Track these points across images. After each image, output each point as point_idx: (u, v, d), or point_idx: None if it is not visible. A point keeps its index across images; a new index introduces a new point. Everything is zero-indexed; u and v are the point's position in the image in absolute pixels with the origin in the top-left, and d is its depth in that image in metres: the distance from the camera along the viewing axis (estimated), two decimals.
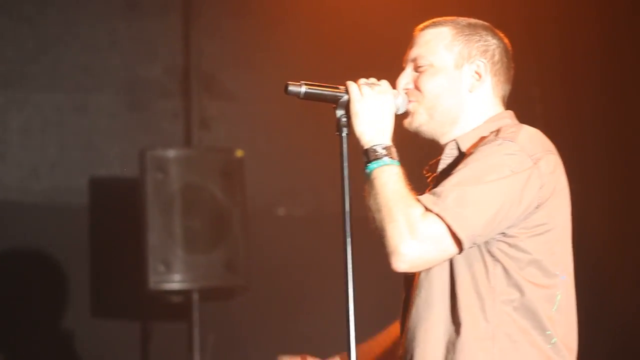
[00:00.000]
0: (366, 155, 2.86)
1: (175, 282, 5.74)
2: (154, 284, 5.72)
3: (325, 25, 6.42)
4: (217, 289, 5.95)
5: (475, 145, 2.88)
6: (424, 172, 3.09)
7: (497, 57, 3.00)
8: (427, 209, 2.72)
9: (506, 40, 3.05)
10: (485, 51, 2.99)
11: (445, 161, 2.97)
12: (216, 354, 6.10)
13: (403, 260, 2.71)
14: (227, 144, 6.22)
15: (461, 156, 2.91)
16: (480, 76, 2.98)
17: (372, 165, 2.83)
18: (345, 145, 2.91)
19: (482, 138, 2.89)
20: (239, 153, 5.95)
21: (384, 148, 2.84)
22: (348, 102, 2.91)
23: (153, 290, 5.74)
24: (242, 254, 5.86)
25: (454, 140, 2.96)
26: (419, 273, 2.90)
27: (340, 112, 2.93)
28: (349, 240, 2.85)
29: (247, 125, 6.53)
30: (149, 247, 5.72)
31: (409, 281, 2.97)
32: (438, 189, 2.76)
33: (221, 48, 6.53)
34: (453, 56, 2.98)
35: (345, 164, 2.90)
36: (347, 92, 2.93)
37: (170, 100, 6.50)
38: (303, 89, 2.91)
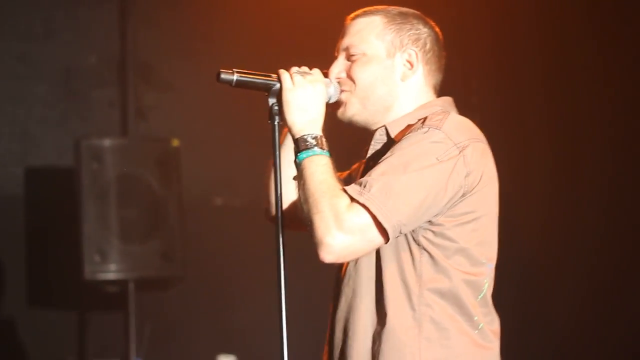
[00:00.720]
0: (296, 145, 2.86)
1: (111, 272, 5.72)
2: (90, 274, 5.70)
3: (260, 15, 6.43)
4: (153, 279, 5.94)
5: (403, 133, 2.89)
6: (356, 166, 3.12)
7: (428, 46, 3.02)
8: (352, 200, 2.72)
9: (437, 29, 3.06)
10: (417, 40, 3.01)
11: (374, 147, 2.99)
12: (152, 343, 6.09)
13: (329, 251, 2.71)
14: (164, 134, 6.20)
15: (390, 142, 2.92)
16: (412, 65, 2.99)
17: (301, 155, 2.83)
18: (277, 134, 2.92)
19: (410, 126, 2.90)
20: (175, 142, 5.93)
21: (313, 138, 2.84)
22: (280, 90, 2.91)
23: (89, 280, 5.71)
24: (178, 244, 5.86)
25: (384, 126, 2.97)
26: (348, 263, 2.92)
27: (272, 101, 2.92)
28: (280, 230, 2.85)
29: (183, 115, 6.52)
30: (84, 237, 5.70)
31: (339, 271, 2.99)
32: (364, 179, 2.76)
33: (157, 37, 6.50)
34: (385, 45, 2.99)
35: (278, 153, 2.89)
36: (279, 80, 2.92)
37: (106, 90, 6.47)
38: (235, 76, 2.91)
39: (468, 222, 2.82)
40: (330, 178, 2.78)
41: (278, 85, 2.93)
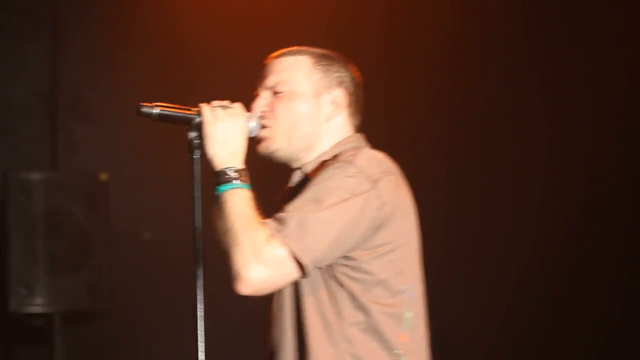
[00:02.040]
0: (216, 178, 2.89)
1: (37, 305, 5.69)
2: (15, 307, 5.66)
3: (186, 50, 6.45)
4: (80, 313, 5.92)
5: (318, 170, 2.95)
6: (278, 198, 3.14)
7: (351, 89, 3.09)
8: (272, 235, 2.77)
9: (356, 73, 3.13)
10: (342, 82, 3.08)
11: (291, 185, 3.05)
12: None
13: (247, 284, 2.75)
14: (93, 167, 6.18)
15: (306, 180, 2.98)
16: (337, 105, 3.06)
17: (221, 188, 2.86)
18: (197, 168, 2.94)
19: (324, 162, 2.97)
20: (103, 176, 5.93)
21: (235, 171, 2.87)
22: (201, 124, 2.94)
23: (14, 312, 5.68)
24: (104, 277, 5.84)
25: (300, 167, 3.04)
26: (274, 300, 2.96)
27: (192, 134, 2.95)
28: (200, 265, 2.87)
29: (113, 149, 6.51)
30: (10, 269, 5.67)
31: (269, 302, 3.02)
32: (281, 215, 2.81)
33: (87, 71, 6.50)
34: (312, 84, 3.05)
35: (197, 186, 2.92)
36: (200, 114, 2.96)
37: (35, 123, 6.45)
38: (155, 110, 2.95)
39: (385, 253, 2.86)
40: (250, 211, 2.82)
41: (199, 118, 2.95)
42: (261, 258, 2.73)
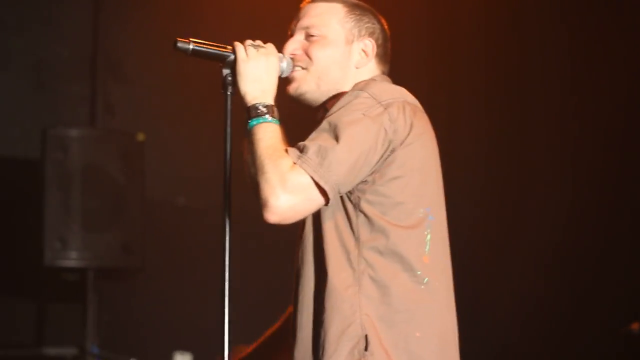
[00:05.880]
0: (248, 113, 2.97)
1: (71, 259, 5.79)
2: (50, 260, 5.76)
3: (225, 15, 6.51)
4: (113, 269, 6.02)
5: (335, 100, 3.03)
6: None
7: (380, 40, 3.16)
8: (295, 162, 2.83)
9: (386, 26, 3.21)
10: (373, 33, 3.15)
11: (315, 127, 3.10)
12: (109, 333, 6.15)
13: (274, 211, 2.81)
14: (131, 129, 6.27)
15: (325, 113, 3.04)
16: (367, 55, 3.13)
17: (252, 122, 2.94)
18: (229, 104, 3.02)
19: (342, 93, 3.04)
20: (141, 137, 6.02)
21: (265, 107, 2.95)
22: (234, 61, 3.01)
23: (48, 266, 5.78)
24: (138, 236, 5.94)
25: (324, 104, 3.11)
26: (302, 242, 3.02)
27: (226, 71, 3.02)
28: (229, 200, 2.95)
29: (151, 113, 6.59)
30: (46, 223, 5.77)
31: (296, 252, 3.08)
32: (301, 143, 2.88)
33: (128, 34, 6.59)
34: (344, 32, 3.12)
35: (229, 122, 3.00)
36: (234, 52, 3.03)
37: (76, 84, 6.54)
38: (191, 45, 3.01)
39: (400, 176, 2.91)
40: (277, 143, 2.89)
41: (232, 56, 3.02)
42: (286, 185, 2.80)
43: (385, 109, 2.90)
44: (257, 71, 3.00)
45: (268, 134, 2.91)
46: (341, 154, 2.83)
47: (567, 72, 6.35)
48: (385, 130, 2.88)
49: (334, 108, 2.94)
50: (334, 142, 2.84)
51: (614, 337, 5.57)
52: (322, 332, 2.89)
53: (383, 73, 3.17)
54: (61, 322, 6.29)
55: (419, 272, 2.92)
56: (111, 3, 6.57)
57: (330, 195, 2.84)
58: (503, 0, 6.58)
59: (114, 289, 6.23)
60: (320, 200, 2.85)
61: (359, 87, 2.98)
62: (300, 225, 3.03)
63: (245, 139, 2.98)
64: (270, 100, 2.99)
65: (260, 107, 2.95)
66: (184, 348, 6.41)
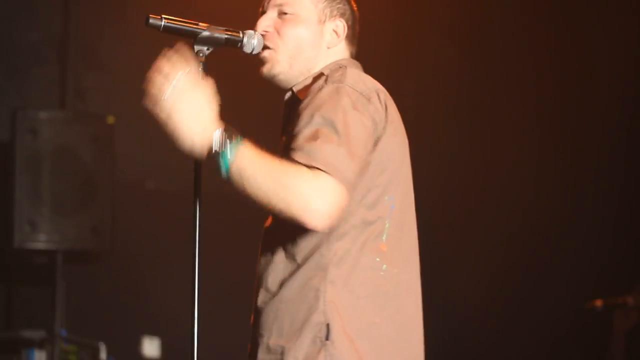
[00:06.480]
0: (212, 162, 2.74)
1: (40, 241, 5.79)
2: (19, 243, 5.77)
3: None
4: (82, 252, 6.03)
5: (307, 88, 2.98)
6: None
7: (350, 22, 3.16)
8: (309, 167, 2.72)
9: (355, 7, 3.20)
10: (343, 14, 3.14)
11: (286, 111, 3.08)
12: (77, 317, 6.15)
13: (318, 216, 2.69)
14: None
15: (295, 99, 3.02)
16: (338, 35, 3.12)
17: (224, 167, 2.72)
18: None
19: (315, 79, 2.99)
20: (110, 120, 6.02)
21: (219, 142, 2.72)
22: (206, 38, 2.98)
23: (17, 248, 5.78)
24: (108, 219, 5.95)
25: (291, 89, 3.07)
26: (270, 227, 3.00)
27: (197, 47, 2.99)
28: (199, 187, 2.92)
29: (121, 97, 6.54)
30: (15, 206, 5.77)
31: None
32: (304, 145, 2.75)
33: (100, 19, 6.58)
34: (317, 12, 3.10)
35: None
36: (207, 29, 2.98)
37: (46, 67, 6.53)
38: (163, 22, 2.99)
39: (375, 164, 2.89)
40: (269, 160, 2.73)
41: (205, 32, 2.99)
42: (318, 190, 2.69)
43: (369, 100, 2.87)
44: (187, 117, 2.75)
45: (253, 160, 2.71)
46: (348, 151, 2.75)
47: (546, 69, 6.45)
48: (374, 122, 2.86)
49: (312, 96, 2.87)
50: (337, 139, 2.76)
51: (576, 313, 5.65)
52: (286, 319, 2.88)
53: (351, 55, 3.17)
54: (30, 305, 6.29)
55: (377, 259, 2.90)
56: None
57: (350, 193, 2.78)
58: None
59: (83, 272, 6.23)
60: (346, 197, 2.76)
61: (336, 78, 2.90)
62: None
63: (232, 182, 2.76)
64: (215, 128, 2.73)
65: (217, 146, 2.71)
66: (152, 333, 6.43)
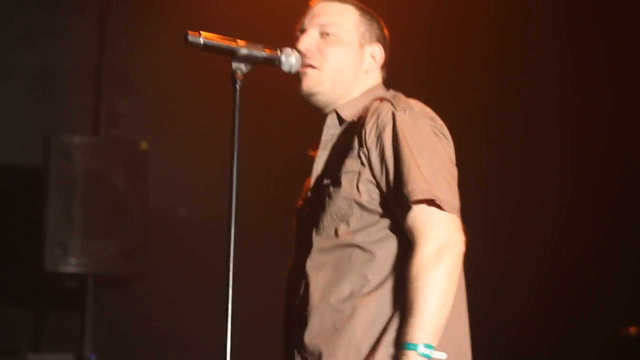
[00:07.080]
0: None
1: (71, 265, 5.82)
2: (50, 265, 5.80)
3: (228, 26, 6.56)
4: (112, 276, 6.05)
5: (363, 114, 3.00)
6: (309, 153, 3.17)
7: (385, 47, 3.19)
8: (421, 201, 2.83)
9: (388, 34, 3.24)
10: (380, 39, 3.18)
11: (327, 132, 3.09)
12: (107, 341, 6.17)
13: (457, 250, 2.85)
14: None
15: (347, 125, 3.05)
16: (375, 60, 3.16)
17: None
18: (238, 97, 2.95)
19: (367, 108, 3.02)
20: (143, 145, 6.06)
21: None
22: (245, 55, 2.99)
23: (48, 271, 5.81)
24: (139, 244, 5.97)
25: (334, 110, 3.09)
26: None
27: (235, 65, 2.99)
28: (234, 200, 2.91)
29: (154, 124, 6.63)
30: (47, 229, 5.81)
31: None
32: (426, 195, 2.84)
33: (134, 47, 6.64)
34: (358, 35, 3.13)
35: (237, 115, 2.93)
36: (244, 46, 3.00)
37: (80, 95, 6.59)
38: (202, 39, 3.01)
39: None
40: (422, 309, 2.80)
41: (243, 50, 2.99)
42: (446, 254, 2.82)
43: (442, 126, 3.02)
44: None
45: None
46: (449, 182, 2.94)
47: (568, 73, 6.42)
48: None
49: (400, 135, 2.91)
50: (443, 170, 2.92)
51: (611, 339, 5.61)
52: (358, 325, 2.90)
53: (383, 80, 3.20)
54: (59, 329, 6.31)
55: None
56: (117, 16, 6.62)
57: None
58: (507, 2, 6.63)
59: (113, 297, 6.25)
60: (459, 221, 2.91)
61: (401, 105, 2.97)
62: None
63: None
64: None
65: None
66: (182, 359, 6.44)
